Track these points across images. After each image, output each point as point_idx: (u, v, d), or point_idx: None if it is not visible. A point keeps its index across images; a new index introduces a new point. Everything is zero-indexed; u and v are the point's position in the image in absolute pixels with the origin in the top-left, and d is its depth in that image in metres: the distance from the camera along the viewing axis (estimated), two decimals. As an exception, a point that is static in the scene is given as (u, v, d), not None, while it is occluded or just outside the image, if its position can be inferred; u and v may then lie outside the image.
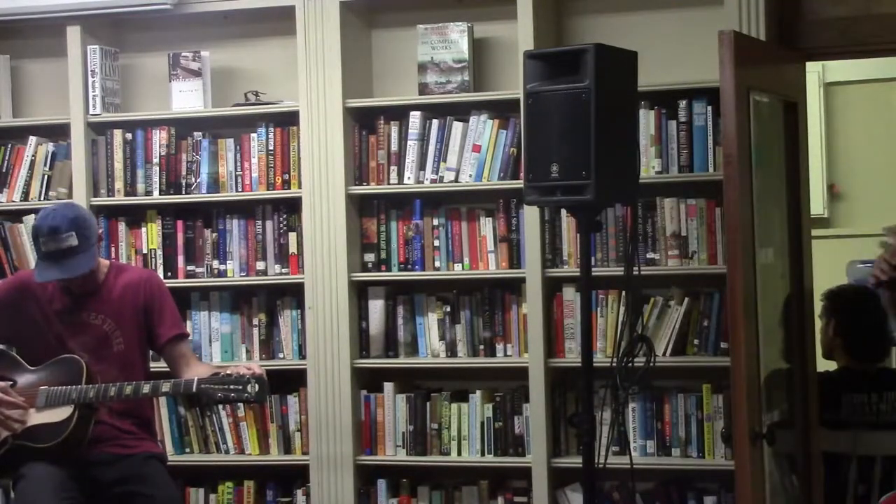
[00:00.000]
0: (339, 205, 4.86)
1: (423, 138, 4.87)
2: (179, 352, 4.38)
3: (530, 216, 4.68)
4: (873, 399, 4.55)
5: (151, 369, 4.45)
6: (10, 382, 4.21)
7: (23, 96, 5.39)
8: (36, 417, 4.17)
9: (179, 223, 5.09)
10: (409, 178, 4.86)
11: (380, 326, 4.92)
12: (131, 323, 4.33)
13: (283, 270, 4.99)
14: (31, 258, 5.13)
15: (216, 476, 5.09)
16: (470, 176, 4.81)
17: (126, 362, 4.30)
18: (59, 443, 4.12)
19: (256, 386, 4.00)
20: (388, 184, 4.89)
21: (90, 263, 4.23)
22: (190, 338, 4.51)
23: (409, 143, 4.86)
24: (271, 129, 4.99)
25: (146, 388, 4.14)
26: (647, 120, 4.62)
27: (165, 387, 4.14)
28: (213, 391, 4.03)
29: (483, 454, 4.79)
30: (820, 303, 4.74)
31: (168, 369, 4.40)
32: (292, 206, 4.97)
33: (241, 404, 4.82)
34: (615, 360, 4.12)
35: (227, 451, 5.05)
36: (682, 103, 4.62)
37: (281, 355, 5.01)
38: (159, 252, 5.09)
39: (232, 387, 4.01)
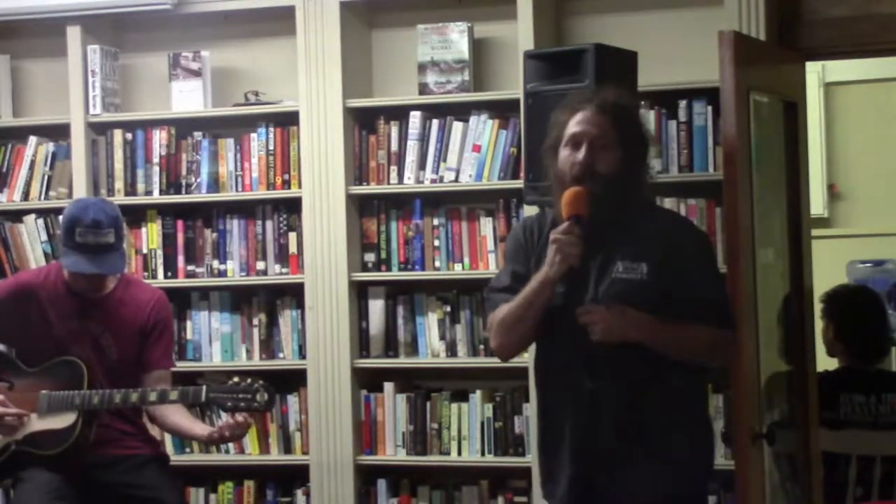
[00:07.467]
0: (339, 205, 4.86)
1: (423, 138, 4.87)
2: (160, 383, 4.27)
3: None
4: (872, 401, 4.54)
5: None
6: (7, 384, 4.18)
7: (23, 96, 5.39)
8: (38, 423, 4.11)
9: (179, 223, 5.09)
10: (409, 178, 4.86)
11: (380, 326, 4.92)
12: (130, 340, 4.24)
13: (283, 270, 4.99)
14: (32, 258, 5.13)
15: (216, 476, 5.09)
16: (470, 176, 4.81)
17: (121, 375, 4.20)
18: (63, 450, 4.08)
19: (265, 395, 3.99)
20: (388, 184, 4.89)
21: (122, 265, 4.20)
22: (172, 369, 4.39)
23: (409, 143, 4.86)
24: (271, 129, 4.99)
25: (153, 396, 4.10)
26: (646, 120, 4.62)
27: (173, 395, 4.10)
28: (222, 400, 4.01)
29: (483, 454, 4.79)
30: (819, 304, 4.73)
31: None
32: (292, 206, 4.97)
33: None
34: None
35: (227, 451, 5.04)
36: (682, 103, 4.62)
37: (281, 355, 5.01)
38: (159, 252, 5.09)
39: (241, 395, 3.99)
